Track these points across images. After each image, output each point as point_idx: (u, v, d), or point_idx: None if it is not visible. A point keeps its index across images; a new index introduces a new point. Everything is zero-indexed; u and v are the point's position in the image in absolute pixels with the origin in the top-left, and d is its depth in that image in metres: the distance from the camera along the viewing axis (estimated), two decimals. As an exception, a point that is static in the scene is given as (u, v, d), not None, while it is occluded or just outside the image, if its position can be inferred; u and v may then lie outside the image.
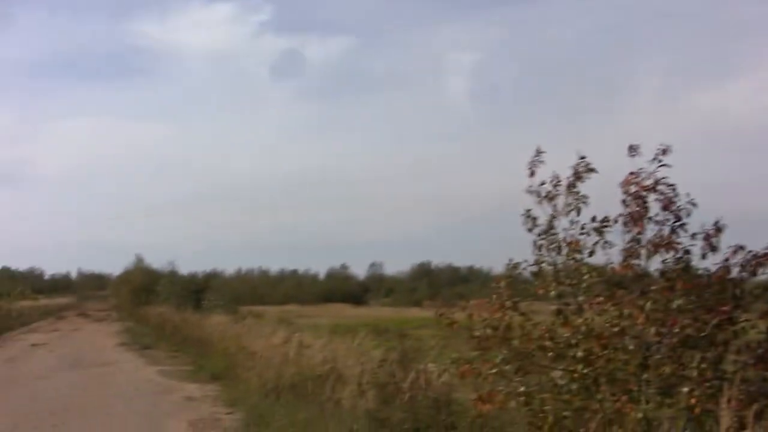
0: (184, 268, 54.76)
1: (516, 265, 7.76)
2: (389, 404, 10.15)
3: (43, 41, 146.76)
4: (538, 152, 7.70)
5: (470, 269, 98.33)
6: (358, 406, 10.61)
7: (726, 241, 7.15)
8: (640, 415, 6.61)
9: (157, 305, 43.98)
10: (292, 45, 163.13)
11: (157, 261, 57.22)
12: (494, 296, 7.67)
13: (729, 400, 6.29)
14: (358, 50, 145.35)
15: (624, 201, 7.19)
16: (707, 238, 7.05)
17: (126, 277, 61.81)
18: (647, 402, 6.75)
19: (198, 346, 24.17)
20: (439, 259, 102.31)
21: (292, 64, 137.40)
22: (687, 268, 6.97)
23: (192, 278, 51.77)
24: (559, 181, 7.52)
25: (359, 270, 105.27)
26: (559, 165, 7.62)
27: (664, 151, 7.12)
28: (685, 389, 6.67)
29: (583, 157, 7.48)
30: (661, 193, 7.08)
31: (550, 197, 7.54)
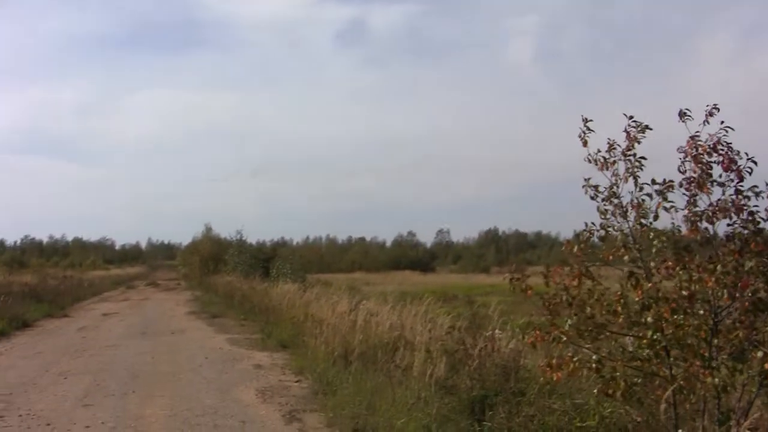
0: (253, 237, 55.46)
1: (587, 231, 7.65)
2: (457, 371, 10.13)
3: (111, 15, 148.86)
4: (586, 121, 7.55)
5: (538, 235, 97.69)
6: (426, 373, 10.60)
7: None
8: (715, 380, 6.47)
9: (225, 274, 44.61)
10: (354, 13, 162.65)
11: (225, 230, 58.03)
12: (570, 263, 7.57)
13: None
14: (421, 17, 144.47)
15: (684, 164, 7.02)
16: None
17: (195, 246, 62.76)
18: (719, 368, 6.61)
19: (266, 314, 24.44)
20: (506, 225, 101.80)
21: (356, 31, 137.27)
22: (758, 230, 6.76)
23: (260, 247, 52.49)
24: (614, 147, 7.37)
25: (427, 237, 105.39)
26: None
27: (712, 113, 6.93)
28: (759, 354, 6.52)
29: (631, 117, 7.32)
30: (720, 154, 6.88)
31: (608, 164, 7.40)
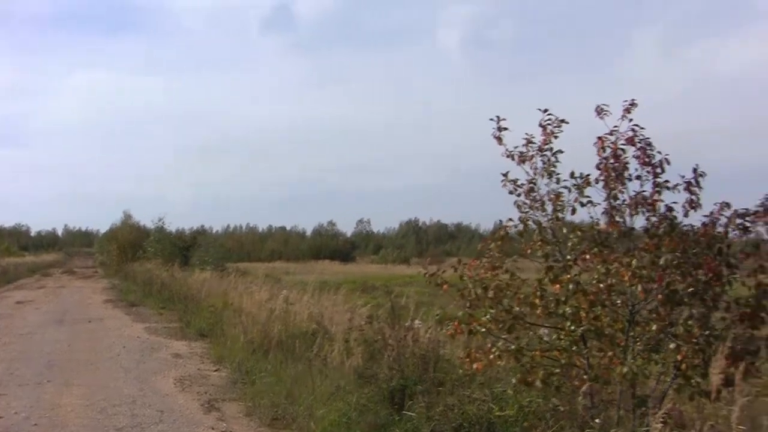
0: (175, 225, 54.69)
1: (504, 225, 7.74)
2: (376, 361, 10.15)
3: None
4: (498, 120, 7.65)
5: (458, 226, 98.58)
6: (345, 363, 10.61)
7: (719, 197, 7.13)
8: (625, 369, 6.62)
9: (144, 262, 43.92)
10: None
11: (145, 217, 57.10)
12: (485, 257, 7.66)
13: (715, 357, 6.31)
14: (351, 4, 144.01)
15: (601, 159, 7.16)
16: (688, 186, 6.99)
17: (113, 233, 61.59)
18: (634, 358, 6.76)
19: (185, 303, 24.16)
20: (428, 216, 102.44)
21: (283, 18, 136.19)
22: (673, 225, 6.94)
23: (180, 235, 51.65)
24: (532, 141, 7.48)
25: (347, 227, 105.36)
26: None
27: (629, 108, 7.10)
28: (672, 346, 6.69)
29: (545, 111, 7.43)
30: (639, 149, 7.04)
31: (525, 158, 7.50)
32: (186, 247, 45.55)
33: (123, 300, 29.98)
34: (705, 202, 7.03)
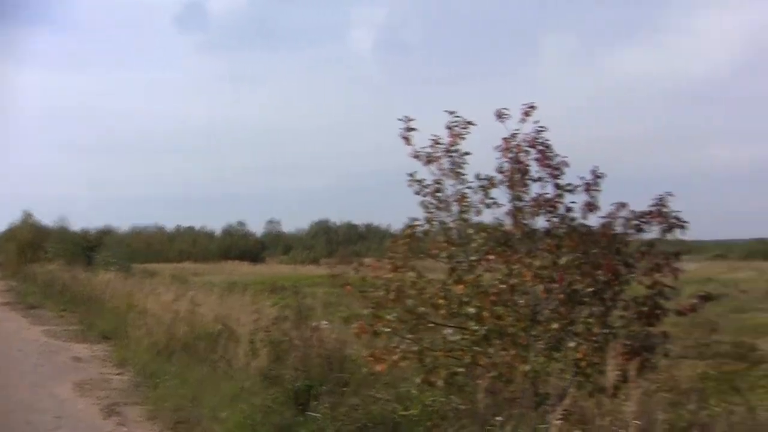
0: (77, 225, 53.27)
1: (411, 226, 7.79)
2: (282, 362, 10.08)
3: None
4: (408, 120, 7.70)
5: (368, 227, 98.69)
6: (250, 364, 10.50)
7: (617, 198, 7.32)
8: (527, 368, 6.73)
9: (45, 263, 42.72)
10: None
11: (48, 217, 55.47)
12: (389, 257, 7.70)
13: (614, 354, 6.46)
14: (264, 2, 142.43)
15: (504, 162, 7.28)
16: (588, 188, 7.16)
17: (12, 233, 59.66)
18: (536, 356, 6.87)
19: (88, 304, 23.57)
20: (338, 216, 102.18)
21: (196, 15, 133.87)
22: (573, 226, 7.09)
23: (84, 235, 50.41)
24: (439, 143, 7.54)
25: (257, 227, 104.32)
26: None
27: (528, 112, 7.24)
28: (572, 344, 6.83)
29: (452, 113, 7.52)
30: (539, 152, 7.18)
31: (432, 159, 7.57)
32: (90, 248, 44.46)
33: (21, 302, 29.00)
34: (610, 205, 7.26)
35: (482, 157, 7.63)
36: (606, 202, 7.30)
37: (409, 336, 7.41)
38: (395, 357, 7.38)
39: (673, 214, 7.24)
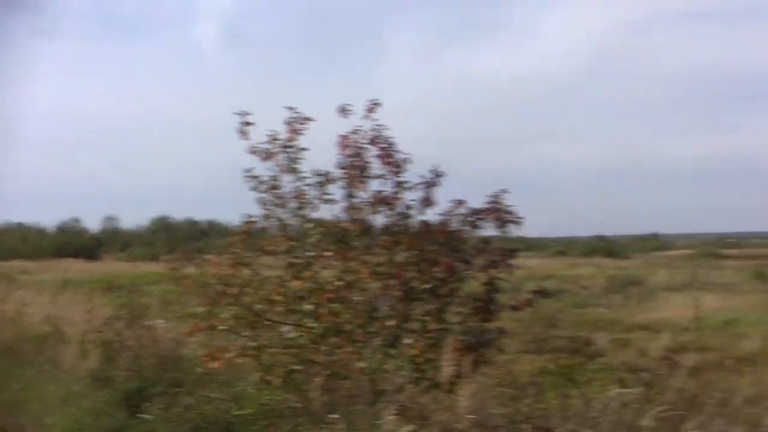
0: None
1: (247, 222, 7.65)
2: (114, 363, 9.71)
3: None
4: (245, 114, 7.58)
5: (211, 223, 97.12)
6: (79, 366, 10.06)
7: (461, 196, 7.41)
8: (364, 365, 6.72)
9: None
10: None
11: None
12: (228, 252, 7.54)
13: (448, 350, 6.53)
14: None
15: (344, 157, 7.26)
16: (428, 185, 7.23)
17: None
18: (373, 353, 6.87)
19: None
20: (179, 212, 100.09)
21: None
22: (410, 224, 7.14)
23: None
24: (276, 138, 7.45)
25: (93, 224, 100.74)
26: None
27: (371, 109, 7.25)
28: (409, 340, 6.87)
29: (291, 108, 7.45)
30: (381, 149, 7.19)
31: (269, 155, 7.46)
32: None
33: None
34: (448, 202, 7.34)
35: (328, 153, 7.58)
36: (448, 200, 7.38)
37: (246, 333, 7.27)
38: (231, 354, 7.23)
39: (507, 210, 7.39)
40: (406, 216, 7.22)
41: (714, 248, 61.47)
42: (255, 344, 7.22)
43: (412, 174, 7.31)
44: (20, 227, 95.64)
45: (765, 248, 62.25)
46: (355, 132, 7.29)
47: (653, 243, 70.09)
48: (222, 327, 7.33)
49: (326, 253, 7.19)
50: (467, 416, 6.01)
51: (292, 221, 7.46)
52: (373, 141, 7.26)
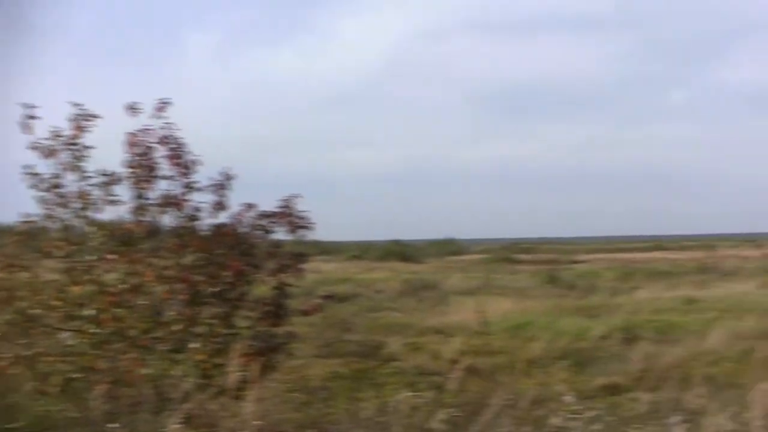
0: None
1: (25, 222, 7.23)
2: None
3: None
4: (29, 107, 7.16)
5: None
6: None
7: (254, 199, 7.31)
8: (148, 371, 6.49)
9: None
10: None
11: None
12: (1, 254, 7.10)
13: (236, 355, 6.42)
14: None
15: (132, 157, 7.01)
16: (218, 188, 7.09)
17: None
18: (159, 359, 6.66)
19: None
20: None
21: None
22: (197, 226, 6.98)
23: None
24: (59, 135, 7.08)
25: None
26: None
27: (161, 108, 7.07)
28: (196, 345, 6.69)
29: (77, 104, 7.13)
30: (170, 149, 7.00)
31: (52, 152, 7.08)
32: None
33: None
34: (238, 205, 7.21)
35: (118, 153, 7.27)
36: (240, 203, 7.26)
37: (21, 341, 6.85)
38: (3, 364, 6.79)
39: (299, 215, 7.36)
40: (195, 218, 7.04)
41: (508, 253, 63.73)
42: (30, 352, 6.81)
43: (204, 176, 7.14)
44: None
45: (557, 253, 65.40)
46: (144, 131, 7.03)
47: (449, 247, 72.06)
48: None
49: (110, 256, 6.89)
50: (254, 422, 5.91)
51: (75, 222, 7.10)
52: (162, 141, 7.04)
